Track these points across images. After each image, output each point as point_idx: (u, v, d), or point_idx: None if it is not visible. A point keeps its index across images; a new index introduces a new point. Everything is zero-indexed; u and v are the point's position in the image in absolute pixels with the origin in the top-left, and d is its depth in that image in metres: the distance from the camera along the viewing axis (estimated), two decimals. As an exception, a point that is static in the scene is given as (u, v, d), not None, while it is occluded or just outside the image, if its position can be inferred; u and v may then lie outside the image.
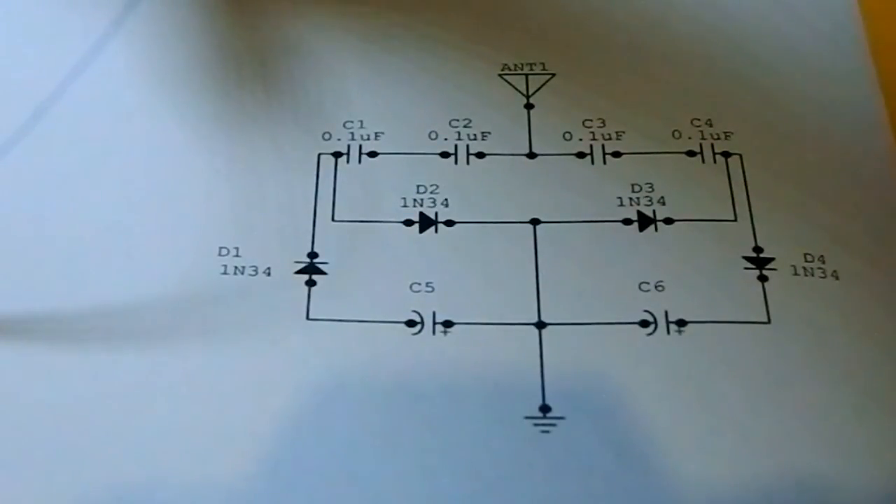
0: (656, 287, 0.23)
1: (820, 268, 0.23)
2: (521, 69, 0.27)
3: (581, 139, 0.25)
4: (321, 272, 0.23)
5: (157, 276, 0.23)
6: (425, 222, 0.24)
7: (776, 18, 0.27)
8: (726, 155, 0.25)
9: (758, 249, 0.23)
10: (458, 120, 0.26)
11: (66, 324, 0.23)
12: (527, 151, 0.25)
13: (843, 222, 0.24)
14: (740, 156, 0.25)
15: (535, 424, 0.21)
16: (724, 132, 0.25)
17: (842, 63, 0.26)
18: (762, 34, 0.27)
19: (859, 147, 0.25)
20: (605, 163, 0.25)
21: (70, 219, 0.24)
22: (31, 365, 0.22)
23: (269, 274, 0.23)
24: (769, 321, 0.22)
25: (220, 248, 0.24)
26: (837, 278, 0.23)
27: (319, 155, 0.25)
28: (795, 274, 0.23)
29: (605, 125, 0.25)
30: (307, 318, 0.23)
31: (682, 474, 0.20)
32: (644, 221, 0.24)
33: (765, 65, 0.26)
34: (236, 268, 0.24)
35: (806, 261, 0.23)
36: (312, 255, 0.24)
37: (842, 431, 0.21)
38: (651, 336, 0.22)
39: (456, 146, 0.25)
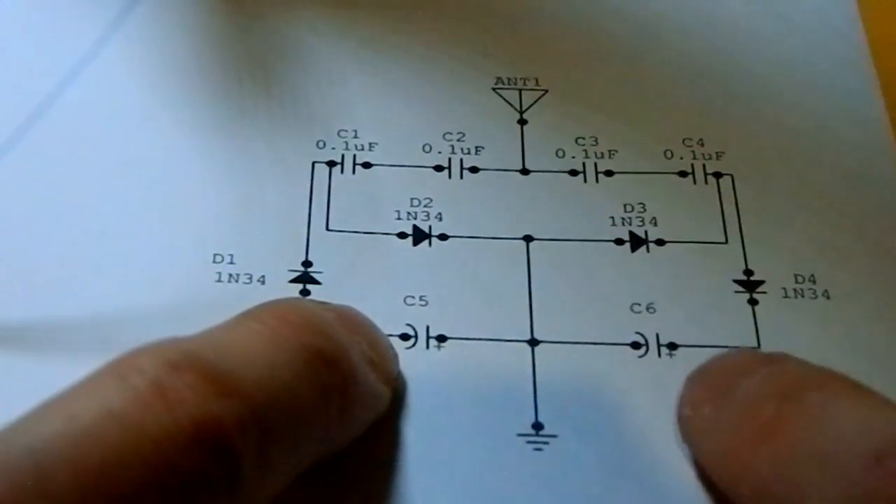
0: (648, 309, 0.23)
1: (811, 288, 0.23)
2: (515, 83, 0.27)
3: (574, 157, 0.25)
4: (315, 282, 0.24)
5: (151, 282, 0.23)
6: (419, 235, 0.24)
7: (770, 33, 0.27)
8: (717, 175, 0.25)
9: (748, 272, 0.23)
10: (451, 133, 0.26)
11: (59, 331, 0.23)
12: (520, 167, 0.25)
13: (833, 238, 0.24)
14: (731, 176, 0.25)
15: (528, 442, 0.21)
16: (716, 151, 0.25)
17: (840, 77, 0.27)
18: (757, 50, 0.27)
19: (855, 159, 0.25)
20: (597, 181, 0.25)
21: (64, 224, 0.24)
22: (24, 372, 0.22)
23: (263, 282, 0.24)
24: (759, 346, 0.22)
25: (215, 255, 0.24)
26: (829, 297, 0.23)
27: (314, 163, 0.25)
28: (786, 296, 0.23)
29: (597, 143, 0.26)
30: (301, 328, 0.23)
31: (672, 495, 0.21)
32: (636, 242, 0.24)
33: (759, 79, 0.27)
34: (231, 275, 0.24)
35: (797, 282, 0.23)
36: (307, 263, 0.24)
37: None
38: (643, 358, 0.22)
39: (450, 160, 0.25)
